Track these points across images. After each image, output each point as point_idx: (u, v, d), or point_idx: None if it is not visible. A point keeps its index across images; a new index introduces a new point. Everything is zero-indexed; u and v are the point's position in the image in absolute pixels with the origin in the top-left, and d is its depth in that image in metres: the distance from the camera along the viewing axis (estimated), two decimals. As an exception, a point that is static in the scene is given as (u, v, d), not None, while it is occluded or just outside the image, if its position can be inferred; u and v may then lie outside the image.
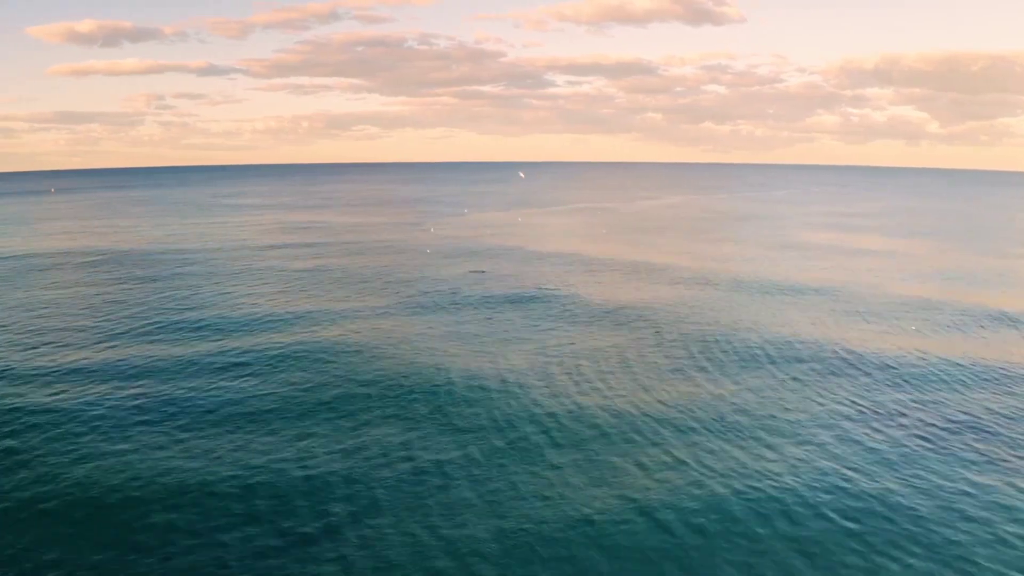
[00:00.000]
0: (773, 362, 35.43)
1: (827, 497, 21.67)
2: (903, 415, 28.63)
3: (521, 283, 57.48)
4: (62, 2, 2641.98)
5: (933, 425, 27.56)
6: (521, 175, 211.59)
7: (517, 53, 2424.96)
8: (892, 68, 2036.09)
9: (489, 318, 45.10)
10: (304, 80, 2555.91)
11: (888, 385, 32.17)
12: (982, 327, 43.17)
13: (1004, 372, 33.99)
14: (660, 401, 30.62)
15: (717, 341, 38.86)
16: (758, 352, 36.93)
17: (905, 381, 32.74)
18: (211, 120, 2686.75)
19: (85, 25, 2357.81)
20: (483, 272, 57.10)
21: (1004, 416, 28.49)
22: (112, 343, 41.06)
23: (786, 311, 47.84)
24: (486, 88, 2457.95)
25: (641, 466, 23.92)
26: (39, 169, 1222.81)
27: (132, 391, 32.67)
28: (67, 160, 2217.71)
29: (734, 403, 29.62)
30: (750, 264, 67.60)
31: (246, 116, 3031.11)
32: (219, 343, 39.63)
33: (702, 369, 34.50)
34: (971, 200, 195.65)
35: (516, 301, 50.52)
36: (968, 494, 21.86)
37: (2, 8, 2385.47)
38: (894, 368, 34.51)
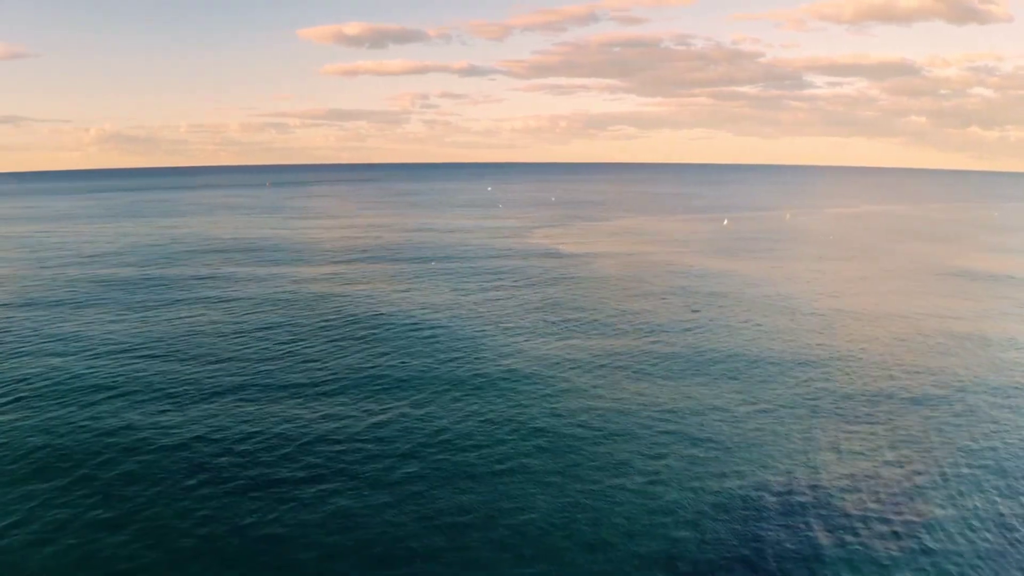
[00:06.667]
0: None
1: None
2: None
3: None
4: (331, 6, 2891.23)
5: None
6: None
7: (775, 53, 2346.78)
8: None
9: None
10: (562, 80, 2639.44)
11: None
12: None
13: None
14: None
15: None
16: None
17: None
18: (472, 119, 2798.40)
19: (353, 27, 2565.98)
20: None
21: None
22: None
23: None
24: (743, 89, 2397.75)
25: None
26: (311, 163, 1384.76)
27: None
28: (337, 155, 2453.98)
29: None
30: None
31: (505, 115, 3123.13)
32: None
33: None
34: None
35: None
36: None
37: (275, 12, 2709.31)
38: None
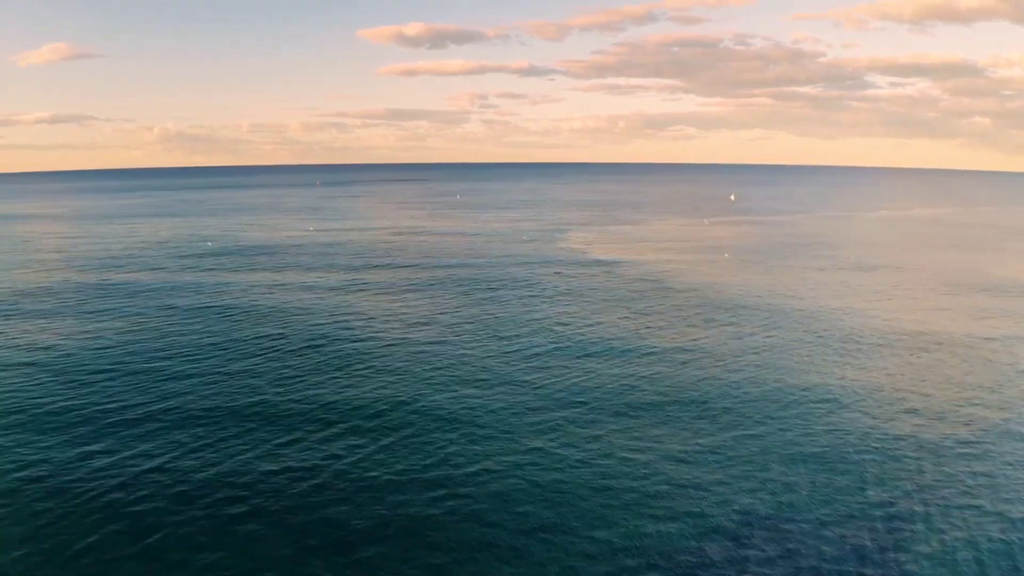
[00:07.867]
0: None
1: None
2: None
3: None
4: (391, 7, 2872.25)
5: None
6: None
7: (835, 53, 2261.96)
8: None
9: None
10: (620, 81, 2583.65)
11: None
12: None
13: None
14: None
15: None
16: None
17: None
18: (530, 119, 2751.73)
19: (413, 28, 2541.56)
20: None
21: None
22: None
23: None
24: (804, 89, 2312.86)
25: None
26: (370, 162, 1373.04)
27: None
28: (396, 155, 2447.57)
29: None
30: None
31: (564, 116, 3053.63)
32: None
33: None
34: None
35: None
36: None
37: (336, 13, 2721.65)
38: None
